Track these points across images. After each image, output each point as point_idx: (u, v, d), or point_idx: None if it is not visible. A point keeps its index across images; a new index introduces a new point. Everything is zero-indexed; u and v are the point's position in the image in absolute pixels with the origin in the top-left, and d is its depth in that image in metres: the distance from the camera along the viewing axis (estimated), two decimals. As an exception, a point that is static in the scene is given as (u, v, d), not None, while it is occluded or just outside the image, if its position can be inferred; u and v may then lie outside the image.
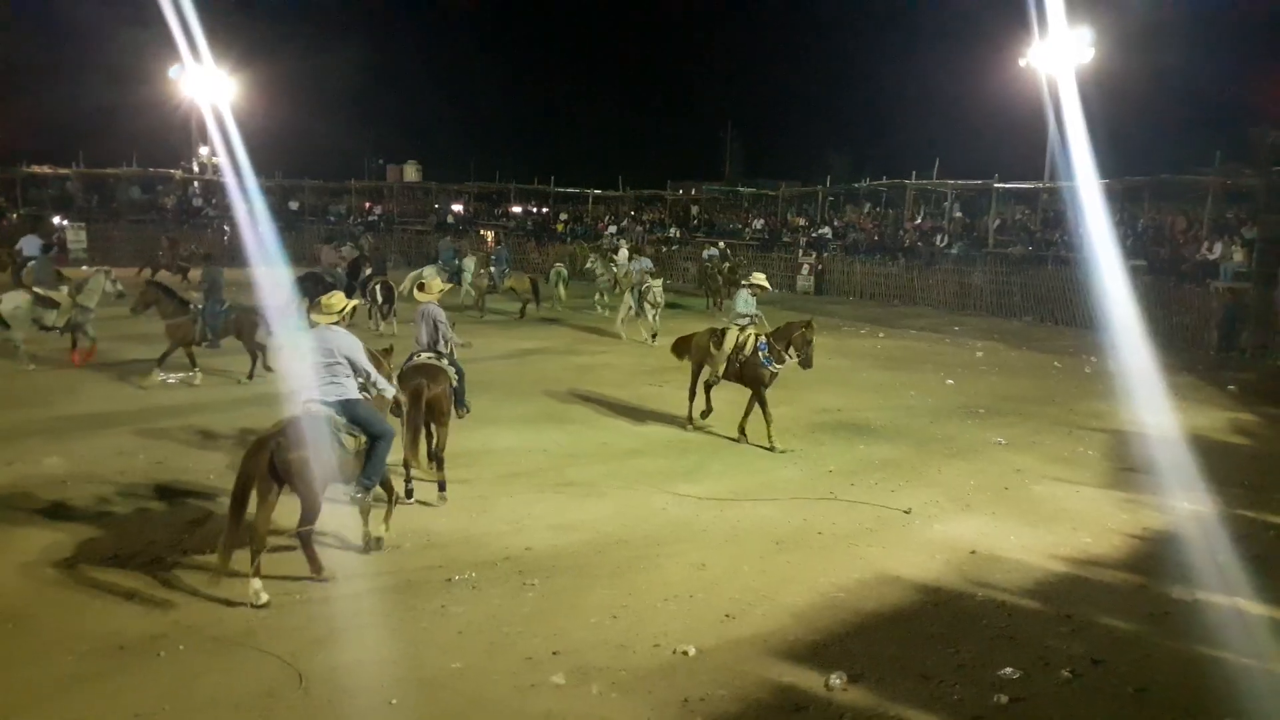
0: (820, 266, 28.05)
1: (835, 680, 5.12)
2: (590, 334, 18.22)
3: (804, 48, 65.31)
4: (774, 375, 10.16)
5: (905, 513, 8.00)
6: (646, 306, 17.28)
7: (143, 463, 8.78)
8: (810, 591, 6.35)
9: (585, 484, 8.63)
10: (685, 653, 5.44)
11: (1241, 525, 7.88)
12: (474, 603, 6.07)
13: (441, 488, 8.05)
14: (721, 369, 10.39)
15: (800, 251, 28.79)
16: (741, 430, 10.32)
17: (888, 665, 5.35)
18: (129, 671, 5.09)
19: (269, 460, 5.96)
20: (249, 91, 35.90)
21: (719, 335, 10.51)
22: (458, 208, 40.28)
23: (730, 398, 10.78)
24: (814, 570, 6.73)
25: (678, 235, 33.28)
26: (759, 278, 11.10)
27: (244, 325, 12.86)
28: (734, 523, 7.70)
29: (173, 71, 34.46)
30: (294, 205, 37.30)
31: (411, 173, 45.09)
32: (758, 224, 32.48)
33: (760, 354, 10.13)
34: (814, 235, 29.68)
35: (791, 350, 10.16)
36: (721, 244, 27.36)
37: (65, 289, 13.37)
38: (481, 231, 34.81)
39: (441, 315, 8.44)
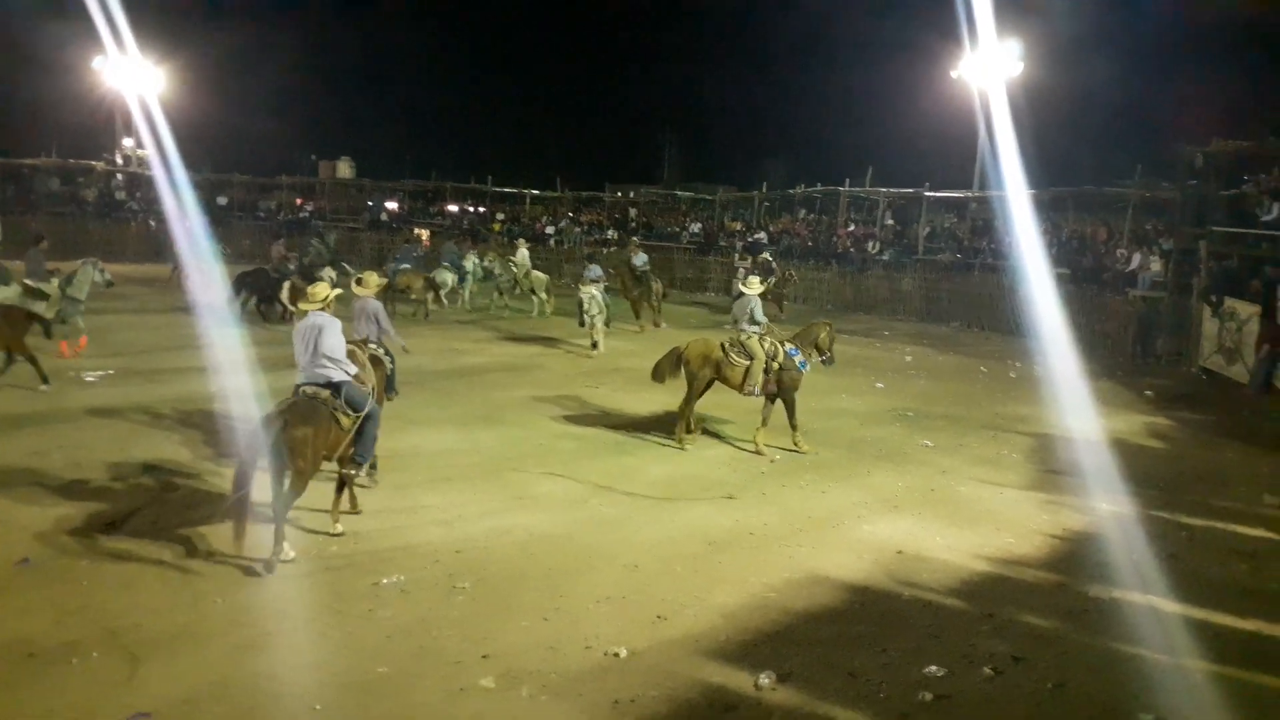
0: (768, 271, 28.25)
1: (765, 680, 5.17)
2: (525, 335, 18.12)
3: (742, 55, 65.98)
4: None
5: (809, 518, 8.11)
6: (589, 316, 16.43)
7: (58, 462, 8.46)
8: (742, 592, 6.40)
9: (518, 486, 8.57)
10: (617, 654, 5.44)
11: (1156, 525, 8.15)
12: (403, 606, 5.98)
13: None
14: (760, 380, 10.11)
15: (736, 256, 29.01)
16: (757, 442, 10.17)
17: (816, 664, 5.42)
18: (40, 679, 4.90)
19: (277, 437, 6.32)
20: (177, 83, 34.89)
21: (738, 346, 10.22)
22: (392, 205, 39.74)
23: (657, 399, 10.80)
24: (746, 570, 6.78)
25: (616, 237, 33.31)
26: (755, 284, 10.98)
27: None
28: (667, 523, 7.73)
29: (96, 62, 33.34)
30: (223, 200, 36.36)
31: (344, 169, 44.39)
32: (694, 228, 32.66)
33: (794, 359, 10.26)
34: (750, 240, 29.95)
35: (816, 351, 10.51)
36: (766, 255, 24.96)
37: (55, 281, 13.19)
38: (416, 231, 34.36)
39: (381, 310, 8.75)
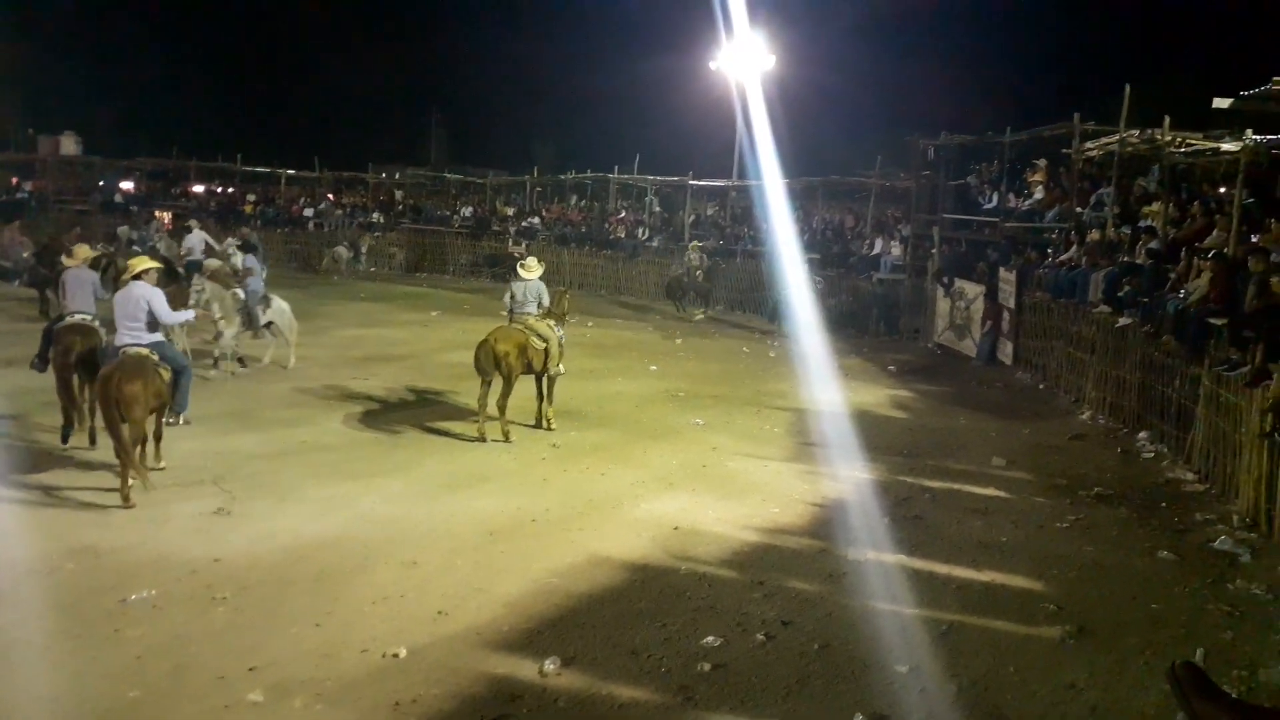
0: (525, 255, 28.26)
1: (549, 666, 5.16)
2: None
3: (509, 37, 65.30)
4: None
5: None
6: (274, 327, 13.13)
7: None
8: (524, 580, 6.36)
9: (282, 487, 8.08)
10: (396, 655, 5.25)
11: (902, 489, 8.88)
12: (154, 623, 5.49)
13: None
14: (558, 359, 10.37)
15: (510, 241, 28.82)
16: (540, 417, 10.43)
17: (600, 645, 5.48)
18: None
19: (113, 392, 7.33)
20: None
21: (536, 333, 10.20)
22: (127, 186, 36.28)
23: (430, 389, 10.54)
24: (528, 558, 6.75)
25: (381, 220, 32.15)
26: (534, 265, 10.90)
27: None
28: (446, 516, 7.55)
29: None
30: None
31: (69, 145, 39.79)
32: (466, 211, 32.08)
33: (558, 334, 10.46)
34: (523, 225, 29.83)
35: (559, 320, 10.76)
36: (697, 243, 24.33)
37: None
38: (157, 214, 31.54)
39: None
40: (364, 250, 28.91)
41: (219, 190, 36.97)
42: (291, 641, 5.36)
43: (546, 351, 10.26)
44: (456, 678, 5.05)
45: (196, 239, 18.88)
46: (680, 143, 37.06)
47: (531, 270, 10.78)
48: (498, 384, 9.92)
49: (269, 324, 12.90)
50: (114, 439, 7.36)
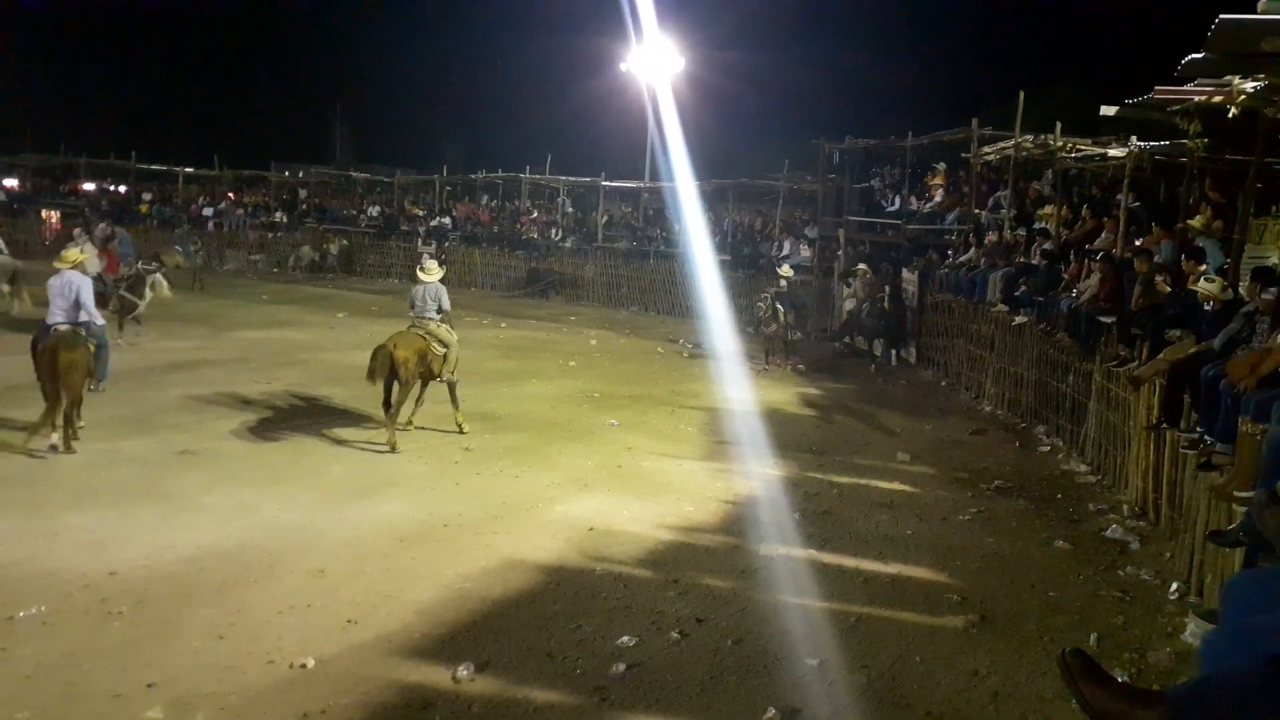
0: (443, 256, 27.85)
1: (463, 671, 5.10)
2: (183, 324, 16.49)
3: (416, 34, 64.20)
4: None
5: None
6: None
7: None
8: (436, 586, 6.26)
9: (182, 496, 7.78)
10: (303, 665, 5.10)
11: (811, 485, 9.05)
12: (45, 641, 5.22)
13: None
14: (455, 365, 10.29)
15: (419, 241, 28.37)
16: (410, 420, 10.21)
17: (515, 649, 5.43)
18: None
19: (52, 360, 8.62)
20: None
21: (437, 338, 10.09)
22: (11, 183, 34.48)
23: (334, 393, 10.30)
24: (440, 564, 6.65)
25: (284, 220, 31.28)
26: (434, 268, 10.66)
27: None
28: (355, 524, 7.37)
29: None
30: None
31: (-55, 141, 37.65)
32: (373, 211, 31.44)
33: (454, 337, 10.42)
34: (433, 225, 29.39)
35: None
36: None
37: None
38: (44, 213, 30.06)
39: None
40: (334, 252, 29.05)
41: (111, 188, 35.43)
42: (193, 655, 5.17)
43: (445, 358, 10.14)
44: (367, 687, 4.94)
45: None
46: (593, 144, 37.14)
47: (431, 273, 10.54)
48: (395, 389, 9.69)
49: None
50: (53, 401, 8.63)
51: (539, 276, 26.07)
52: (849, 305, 18.09)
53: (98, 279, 12.86)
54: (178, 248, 23.33)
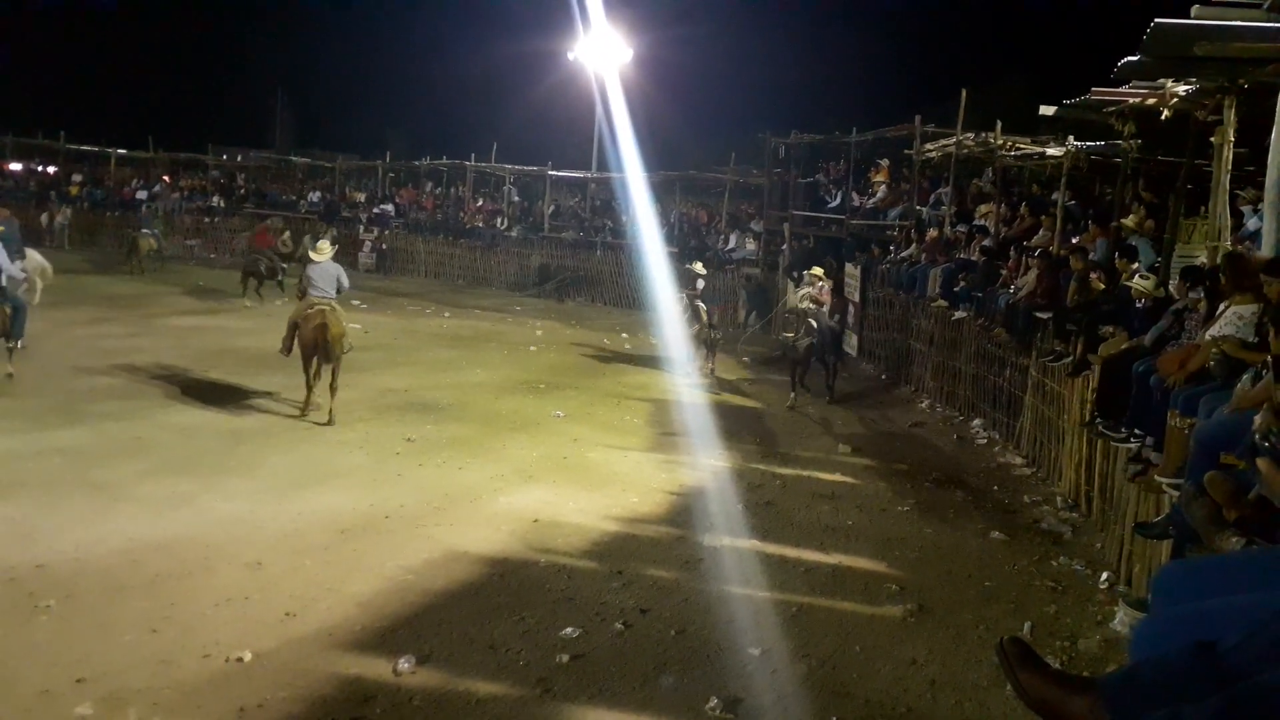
0: (384, 245, 27.48)
1: (404, 664, 5.04)
2: (105, 306, 16.03)
3: (359, 18, 63.08)
4: None
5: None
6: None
7: None
8: (378, 578, 6.18)
9: (114, 486, 7.57)
10: (240, 659, 5.00)
11: (754, 476, 9.12)
12: (-35, 638, 5.04)
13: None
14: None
15: (361, 228, 27.94)
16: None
17: (457, 641, 5.39)
18: None
19: None
20: None
21: (336, 313, 10.12)
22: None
23: (274, 381, 10.11)
24: (382, 555, 6.56)
25: (221, 205, 30.55)
26: (326, 248, 10.63)
27: None
28: (295, 515, 7.24)
29: None
30: None
31: None
32: (313, 196, 30.85)
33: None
34: (375, 211, 28.95)
35: None
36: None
37: None
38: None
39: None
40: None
41: (39, 169, 34.26)
42: (125, 650, 5.04)
43: (341, 336, 10.17)
44: (306, 680, 4.86)
45: None
46: (539, 133, 36.81)
47: (323, 253, 10.57)
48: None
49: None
50: None
51: (550, 274, 24.34)
52: (794, 300, 16.86)
53: None
54: (145, 230, 22.72)
